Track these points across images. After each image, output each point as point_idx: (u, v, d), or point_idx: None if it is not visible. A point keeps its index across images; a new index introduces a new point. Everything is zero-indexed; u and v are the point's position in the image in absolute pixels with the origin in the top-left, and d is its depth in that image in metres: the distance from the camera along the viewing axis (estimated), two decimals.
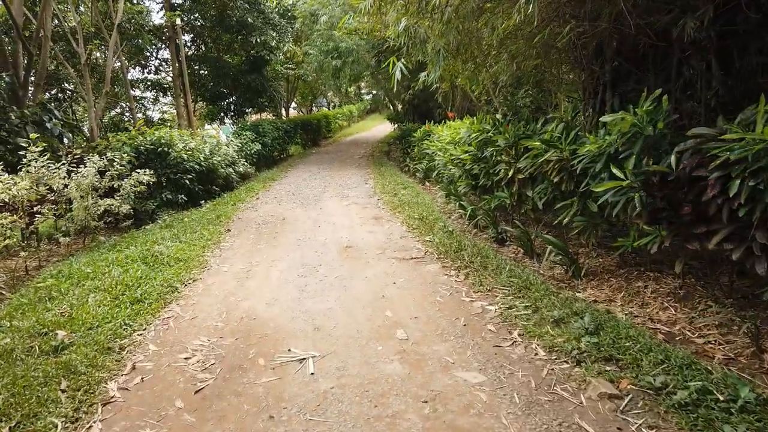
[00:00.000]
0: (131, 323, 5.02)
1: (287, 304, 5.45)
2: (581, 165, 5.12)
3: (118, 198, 9.24)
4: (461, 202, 9.12)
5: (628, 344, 3.91)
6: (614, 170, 4.65)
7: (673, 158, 4.24)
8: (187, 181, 11.57)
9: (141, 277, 6.23)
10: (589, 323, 4.20)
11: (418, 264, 6.61)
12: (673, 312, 4.71)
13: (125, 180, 9.35)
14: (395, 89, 19.43)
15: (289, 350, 4.38)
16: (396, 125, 26.35)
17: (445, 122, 13.62)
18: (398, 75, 7.38)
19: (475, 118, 10.10)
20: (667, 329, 4.44)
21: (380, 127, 38.35)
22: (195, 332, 4.89)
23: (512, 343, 4.24)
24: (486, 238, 7.82)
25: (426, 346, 4.29)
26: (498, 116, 7.64)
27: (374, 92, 48.84)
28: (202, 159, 12.22)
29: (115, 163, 9.09)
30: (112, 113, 20.33)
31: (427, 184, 13.77)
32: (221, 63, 21.17)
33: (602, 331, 4.14)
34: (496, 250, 7.13)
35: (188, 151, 11.86)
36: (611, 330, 4.15)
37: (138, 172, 9.38)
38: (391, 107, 28.55)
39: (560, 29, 5.98)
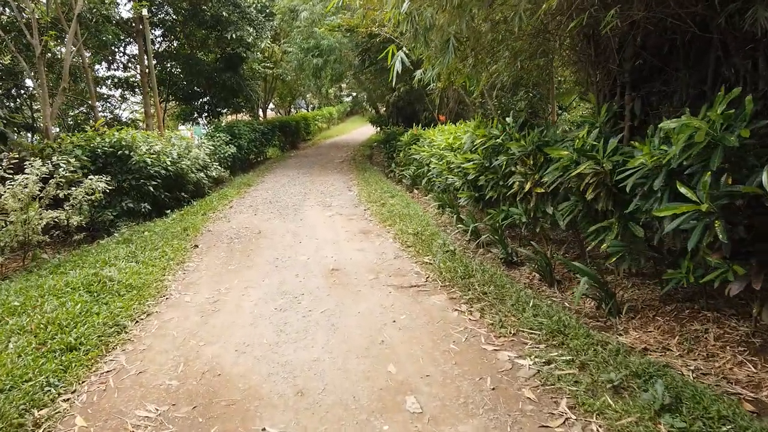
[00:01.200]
0: (57, 382, 3.83)
1: (262, 352, 4.30)
2: (632, 181, 4.08)
3: (68, 208, 7.98)
4: (461, 216, 8.07)
5: (725, 430, 2.87)
6: (682, 189, 3.62)
7: (765, 176, 3.23)
8: (152, 188, 10.32)
9: (81, 312, 5.02)
10: (664, 394, 3.15)
11: (420, 294, 5.51)
12: (753, 369, 3.69)
13: (76, 188, 8.09)
14: (378, 91, 18.38)
15: (264, 430, 3.24)
16: (378, 128, 25.26)
17: (434, 126, 12.58)
18: (398, 66, 6.29)
19: (474, 121, 9.06)
20: (753, 395, 3.41)
21: (361, 130, 37.22)
22: (141, 396, 3.71)
23: (563, 422, 3.16)
24: (492, 258, 6.77)
25: (448, 425, 3.19)
26: (509, 120, 6.59)
27: (354, 94, 47.79)
28: (169, 163, 10.96)
29: (60, 169, 7.82)
30: (76, 112, 18.85)
31: (416, 192, 12.71)
32: (195, 60, 19.82)
33: (683, 406, 3.09)
34: (507, 274, 6.07)
35: (153, 154, 10.60)
36: (694, 403, 3.10)
37: (91, 179, 8.13)
38: (373, 110, 27.46)
39: (582, 18, 4.95)
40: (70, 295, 5.46)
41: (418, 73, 8.19)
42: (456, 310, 5.00)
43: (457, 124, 11.18)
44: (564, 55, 8.58)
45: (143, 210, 10.10)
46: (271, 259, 7.16)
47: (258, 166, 19.41)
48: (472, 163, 7.02)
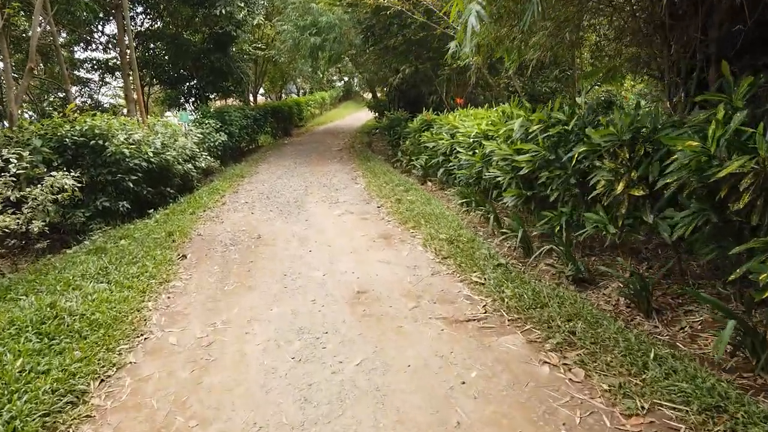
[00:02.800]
0: None
1: None
2: None
3: (27, 211, 6.47)
4: (498, 218, 6.66)
5: None
6: None
7: None
8: (131, 184, 8.80)
9: (22, 372, 3.56)
10: None
11: (483, 333, 4.10)
12: None
13: (36, 186, 6.58)
14: (381, 73, 16.80)
15: None
16: (376, 114, 23.72)
17: (448, 111, 11.13)
18: (474, 23, 4.80)
19: (511, 105, 7.63)
20: None
21: (355, 115, 35.59)
22: None
23: None
24: (554, 274, 5.37)
25: None
26: (580, 101, 5.17)
27: (346, 78, 46.06)
28: (152, 154, 9.42)
29: (11, 165, 6.29)
30: (52, 97, 17.11)
31: (429, 184, 11.27)
32: (180, 40, 18.09)
33: None
34: (584, 298, 4.67)
35: (132, 144, 9.06)
36: None
37: (53, 176, 6.62)
38: (371, 94, 25.88)
39: None
40: (12, 341, 3.98)
41: (453, 44, 6.73)
42: (545, 362, 3.60)
43: (486, 108, 9.74)
44: (621, 23, 7.15)
45: (121, 209, 8.59)
46: (278, 276, 5.71)
47: (250, 155, 17.84)
48: (528, 154, 5.58)
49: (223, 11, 15.57)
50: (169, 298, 5.22)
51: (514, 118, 6.48)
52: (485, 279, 5.15)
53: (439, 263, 5.85)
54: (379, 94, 24.21)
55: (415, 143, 13.20)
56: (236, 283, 5.59)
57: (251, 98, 25.79)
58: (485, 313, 4.44)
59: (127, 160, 8.80)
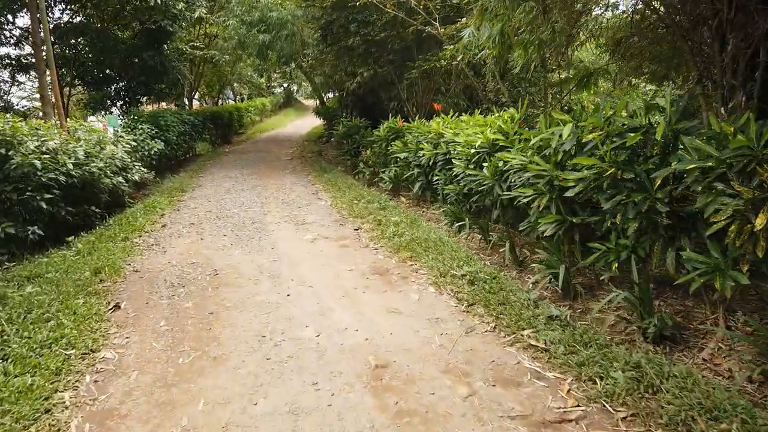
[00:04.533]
0: None
1: None
2: None
3: None
4: (512, 246, 5.34)
5: None
6: None
7: None
8: (45, 203, 6.86)
9: None
10: None
11: None
12: None
13: None
14: (336, 76, 15.33)
15: None
16: (324, 121, 22.12)
17: (428, 118, 9.81)
18: None
19: (521, 110, 6.35)
20: None
21: (297, 123, 33.76)
22: None
23: None
24: (622, 328, 4.07)
25: None
26: (661, 100, 3.92)
27: (285, 85, 44.13)
28: (72, 166, 7.49)
29: None
30: None
31: (402, 199, 9.88)
32: (106, 36, 15.86)
33: None
34: (668, 359, 3.39)
35: (46, 153, 7.13)
36: None
37: None
38: (318, 100, 24.29)
39: None
40: None
41: (467, 33, 5.38)
42: None
43: (467, 115, 8.44)
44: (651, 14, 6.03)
45: (31, 237, 6.65)
46: (253, 338, 4.10)
47: (189, 165, 15.81)
48: (580, 172, 4.26)
49: (158, 2, 13.55)
50: (96, 383, 3.51)
51: (544, 125, 5.17)
52: (545, 341, 3.77)
53: (466, 313, 4.43)
54: (327, 99, 22.68)
55: (380, 153, 11.78)
56: (194, 350, 3.94)
57: (187, 102, 23.56)
58: (578, 406, 3.05)
59: (39, 173, 6.87)
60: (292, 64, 19.61)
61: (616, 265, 4.22)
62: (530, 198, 4.99)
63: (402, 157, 10.12)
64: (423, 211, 8.93)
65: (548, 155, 4.85)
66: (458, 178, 7.00)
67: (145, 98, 18.41)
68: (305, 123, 31.98)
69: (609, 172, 3.94)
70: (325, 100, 24.14)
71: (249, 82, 31.85)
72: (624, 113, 4.25)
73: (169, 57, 17.01)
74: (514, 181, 5.49)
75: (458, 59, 8.53)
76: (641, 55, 6.48)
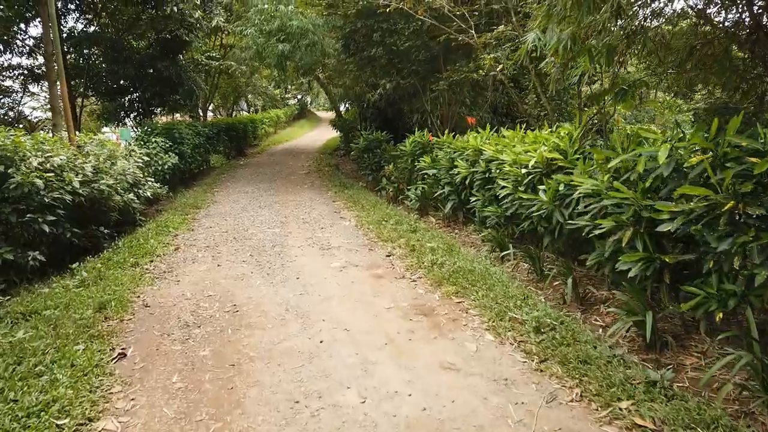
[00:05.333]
0: None
1: None
2: None
3: None
4: (575, 283, 4.56)
5: None
6: None
7: None
8: (47, 225, 6.17)
9: None
10: None
11: None
12: None
13: None
14: (357, 87, 14.65)
15: None
16: (341, 133, 21.43)
17: (456, 132, 9.09)
18: None
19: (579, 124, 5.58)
20: None
21: (311, 135, 33.17)
22: None
23: None
24: (734, 398, 3.28)
25: None
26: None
27: (299, 96, 43.66)
28: (78, 184, 6.81)
29: None
30: None
31: (432, 219, 9.12)
32: (121, 45, 15.33)
33: None
34: None
35: (49, 171, 6.46)
36: None
37: None
38: (334, 112, 23.65)
39: None
40: None
41: (530, 36, 4.64)
42: None
43: (505, 129, 7.68)
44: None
45: (32, 263, 5.96)
46: (283, 404, 3.35)
47: (203, 179, 15.16)
48: (681, 203, 3.48)
49: (174, 9, 12.97)
50: None
51: (618, 143, 4.40)
52: (653, 419, 2.98)
53: (540, 373, 3.64)
54: (343, 111, 22.04)
55: (404, 169, 11.05)
56: (214, 420, 3.19)
57: (201, 114, 23.03)
58: None
59: (42, 193, 6.19)
60: (310, 76, 18.97)
61: (721, 315, 3.44)
62: (605, 230, 4.21)
63: (431, 174, 9.39)
64: (456, 234, 8.17)
65: (632, 180, 4.08)
66: (504, 200, 6.22)
67: (159, 109, 17.88)
68: (320, 135, 31.38)
69: (727, 206, 3.16)
70: (341, 112, 23.49)
71: (264, 94, 31.29)
72: (732, 133, 3.47)
73: (185, 67, 16.46)
74: (581, 209, 4.72)
75: (498, 69, 7.79)
76: (705, 67, 5.72)
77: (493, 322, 4.44)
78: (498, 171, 6.75)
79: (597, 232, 4.32)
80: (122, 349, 4.20)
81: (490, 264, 6.08)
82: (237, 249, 7.32)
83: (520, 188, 5.84)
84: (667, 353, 3.93)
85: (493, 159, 6.92)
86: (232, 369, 3.84)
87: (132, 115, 16.97)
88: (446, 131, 9.82)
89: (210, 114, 28.72)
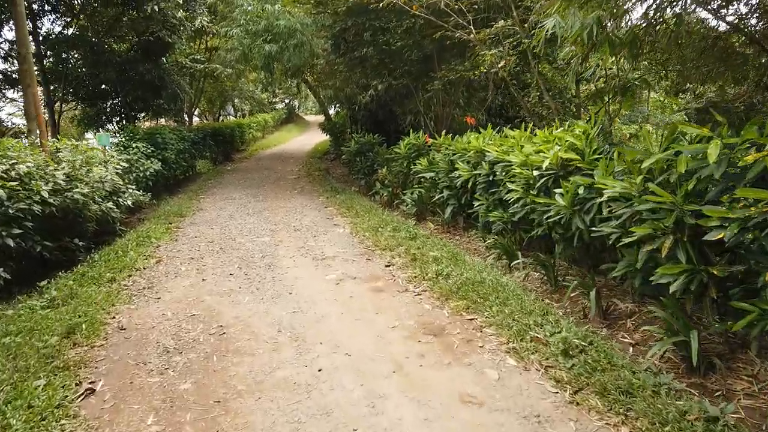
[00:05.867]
0: None
1: None
2: None
3: None
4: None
5: None
6: None
7: None
8: (13, 239, 5.57)
9: None
10: None
11: None
12: None
13: None
14: (347, 89, 14.13)
15: None
16: (330, 137, 20.88)
17: (464, 133, 8.60)
18: None
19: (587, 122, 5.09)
20: None
21: (300, 139, 32.55)
22: None
23: None
24: None
25: None
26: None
27: (287, 100, 43.05)
28: (47, 193, 6.20)
29: None
30: None
31: (430, 225, 8.61)
32: (101, 48, 14.68)
33: None
34: None
35: (14, 180, 5.86)
36: None
37: None
38: (323, 115, 23.09)
39: None
40: None
41: (550, 22, 4.15)
42: None
43: (505, 130, 7.20)
44: None
45: None
46: None
47: (188, 185, 14.53)
48: (735, 209, 3.00)
49: (155, 8, 12.36)
50: None
51: (648, 141, 3.92)
52: None
53: (576, 406, 3.12)
54: (334, 114, 21.51)
55: (399, 173, 10.54)
56: None
57: (186, 118, 22.35)
58: None
59: (6, 204, 5.59)
60: (298, 78, 18.38)
61: None
62: (637, 239, 3.71)
63: (428, 177, 8.89)
64: (457, 240, 7.67)
65: (671, 182, 3.59)
66: (513, 205, 5.73)
67: (142, 114, 17.22)
68: (308, 139, 30.79)
69: None
70: (330, 115, 22.94)
71: (251, 98, 30.64)
72: None
73: (168, 71, 15.83)
74: (605, 214, 4.23)
75: (500, 65, 7.30)
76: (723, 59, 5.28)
77: (513, 343, 3.93)
78: (504, 173, 6.27)
79: (627, 240, 3.83)
80: (90, 383, 3.63)
81: (499, 274, 5.57)
82: (224, 261, 6.75)
83: (531, 192, 5.35)
84: (713, 377, 3.45)
85: (499, 160, 6.43)
86: (217, 407, 3.29)
87: (114, 120, 16.30)
88: (442, 132, 9.33)
89: (196, 119, 28.05)
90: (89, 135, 17.43)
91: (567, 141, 5.11)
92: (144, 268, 6.49)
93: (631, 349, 3.95)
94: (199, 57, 18.23)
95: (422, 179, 9.24)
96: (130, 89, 15.11)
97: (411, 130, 10.71)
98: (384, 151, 12.17)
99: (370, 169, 12.61)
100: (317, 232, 8.26)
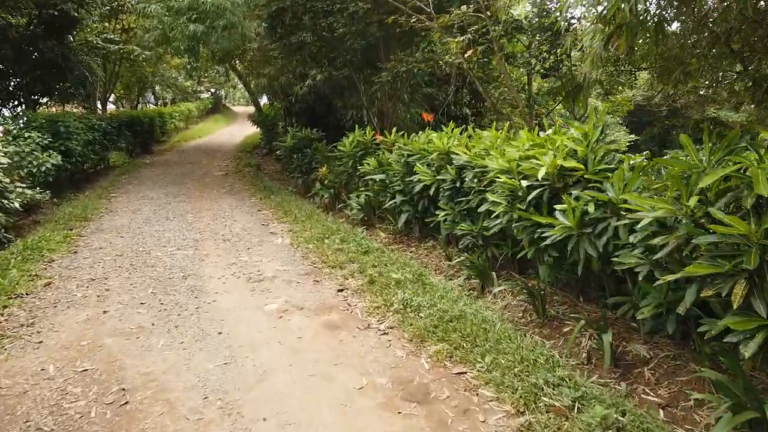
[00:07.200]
0: None
1: None
2: None
3: None
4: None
5: None
6: None
7: None
8: None
9: None
10: None
11: None
12: None
13: None
14: (283, 78, 12.77)
15: None
16: (261, 130, 19.33)
17: (417, 131, 7.58)
18: None
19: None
20: None
21: (228, 130, 30.43)
22: None
23: None
24: None
25: None
26: None
27: (213, 90, 40.56)
28: None
29: None
30: None
31: (381, 234, 7.56)
32: None
33: None
34: None
35: None
36: None
37: None
38: (254, 107, 21.43)
39: None
40: None
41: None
42: None
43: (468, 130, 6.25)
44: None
45: None
46: None
47: (99, 180, 12.64)
48: None
49: None
50: None
51: (692, 151, 3.03)
52: None
53: None
54: (272, 105, 19.94)
55: (343, 172, 9.40)
56: None
57: (99, 105, 19.99)
58: None
59: None
60: (227, 64, 16.70)
61: None
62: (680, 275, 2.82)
63: (377, 180, 7.81)
64: (413, 252, 6.68)
65: (738, 207, 2.71)
66: (492, 218, 4.76)
67: (45, 99, 14.98)
68: (237, 131, 28.79)
69: None
70: (261, 106, 21.33)
71: (173, 85, 28.26)
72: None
73: (75, 50, 13.76)
74: (629, 239, 3.32)
75: (468, 54, 6.33)
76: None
77: (526, 413, 2.93)
78: (475, 180, 5.31)
79: (671, 277, 2.93)
80: None
81: (477, 304, 4.59)
82: (134, 283, 5.36)
83: (518, 205, 4.39)
84: None
85: (470, 165, 5.46)
86: None
87: (11, 105, 14.03)
88: (392, 130, 8.29)
89: (112, 106, 25.43)
90: None
91: (564, 147, 4.18)
92: (27, 294, 5.00)
93: (661, 412, 3.08)
94: (113, 37, 16.12)
95: (370, 181, 8.15)
96: (28, 69, 12.96)
97: (356, 126, 9.59)
98: (324, 148, 10.97)
99: (308, 167, 11.36)
100: (251, 242, 6.97)
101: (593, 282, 4.57)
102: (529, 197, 4.24)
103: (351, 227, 7.67)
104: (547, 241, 3.92)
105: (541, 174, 4.06)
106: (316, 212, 8.70)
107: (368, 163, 8.12)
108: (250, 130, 24.63)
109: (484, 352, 3.61)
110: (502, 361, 3.46)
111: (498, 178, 4.69)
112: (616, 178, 3.59)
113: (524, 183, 4.33)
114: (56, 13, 12.46)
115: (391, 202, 7.32)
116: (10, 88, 13.76)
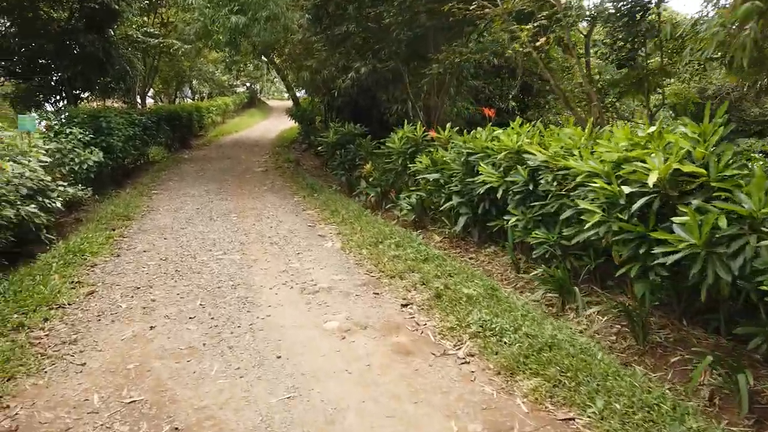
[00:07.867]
0: None
1: None
2: None
3: None
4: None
5: None
6: None
7: None
8: None
9: None
10: None
11: None
12: None
13: None
14: (325, 71, 12.28)
15: None
16: (300, 124, 18.97)
17: (486, 126, 6.96)
18: None
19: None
20: None
21: (264, 125, 30.20)
22: None
23: None
24: None
25: None
26: None
27: (249, 84, 40.49)
28: None
29: None
30: None
31: (436, 237, 7.01)
32: (36, 16, 12.33)
33: None
34: None
35: None
36: None
37: None
38: (292, 100, 21.07)
39: None
40: None
41: None
42: None
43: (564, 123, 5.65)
44: None
45: None
46: None
47: (140, 176, 12.39)
48: None
49: None
50: None
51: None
52: None
53: None
54: (306, 100, 19.57)
55: (391, 170, 8.87)
56: None
57: (139, 100, 19.90)
58: None
59: None
60: (267, 58, 16.31)
61: None
62: None
63: (430, 180, 7.24)
64: (473, 259, 6.12)
65: None
66: (588, 227, 4.14)
67: (86, 94, 14.83)
68: (273, 125, 28.52)
69: None
70: (300, 101, 20.93)
71: (210, 80, 28.16)
72: None
73: (116, 44, 13.55)
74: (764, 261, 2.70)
75: (539, 42, 5.71)
76: None
77: None
78: (555, 183, 4.71)
79: None
80: None
81: (570, 329, 4.00)
82: (181, 292, 4.93)
83: (619, 215, 3.77)
84: None
85: (547, 166, 4.86)
86: None
87: (53, 100, 13.92)
88: (446, 126, 7.71)
89: (150, 100, 25.42)
90: (33, 115, 14.92)
91: (680, 148, 3.53)
92: (69, 304, 4.62)
93: None
94: (153, 31, 15.90)
95: (422, 181, 7.60)
96: (69, 64, 12.78)
97: (404, 121, 9.04)
98: (368, 144, 10.46)
99: (351, 163, 10.87)
100: (299, 246, 6.50)
101: (698, 302, 3.94)
102: (634, 207, 3.61)
103: (404, 230, 7.13)
104: (664, 259, 3.31)
105: (652, 180, 3.43)
106: (364, 213, 8.18)
107: (420, 161, 7.56)
108: (286, 124, 24.29)
109: (592, 391, 3.03)
110: (617, 406, 2.88)
111: (588, 182, 4.08)
112: (755, 187, 2.96)
113: (626, 189, 3.70)
114: (97, 6, 12.23)
115: (447, 203, 6.76)
116: (52, 83, 13.65)
